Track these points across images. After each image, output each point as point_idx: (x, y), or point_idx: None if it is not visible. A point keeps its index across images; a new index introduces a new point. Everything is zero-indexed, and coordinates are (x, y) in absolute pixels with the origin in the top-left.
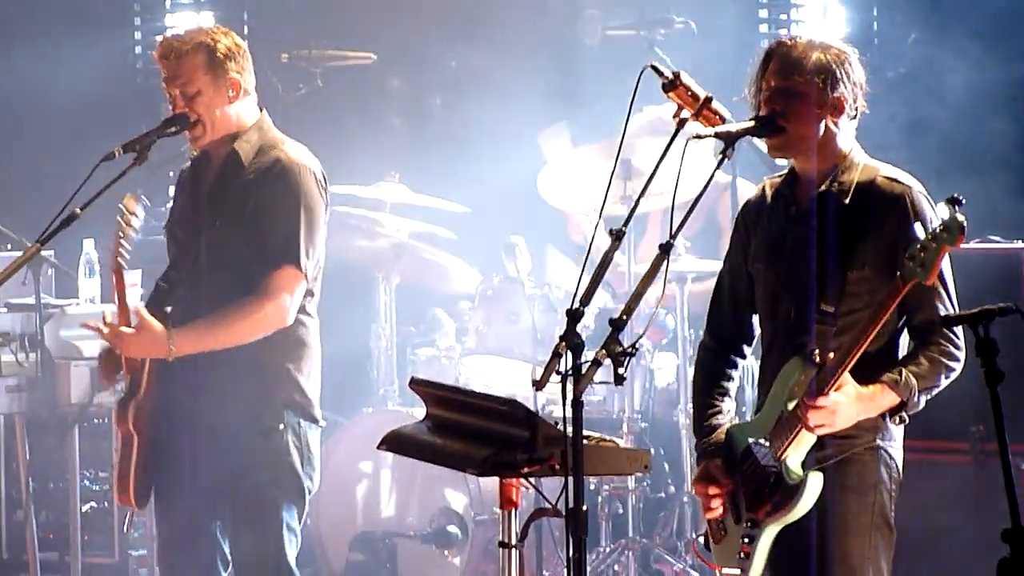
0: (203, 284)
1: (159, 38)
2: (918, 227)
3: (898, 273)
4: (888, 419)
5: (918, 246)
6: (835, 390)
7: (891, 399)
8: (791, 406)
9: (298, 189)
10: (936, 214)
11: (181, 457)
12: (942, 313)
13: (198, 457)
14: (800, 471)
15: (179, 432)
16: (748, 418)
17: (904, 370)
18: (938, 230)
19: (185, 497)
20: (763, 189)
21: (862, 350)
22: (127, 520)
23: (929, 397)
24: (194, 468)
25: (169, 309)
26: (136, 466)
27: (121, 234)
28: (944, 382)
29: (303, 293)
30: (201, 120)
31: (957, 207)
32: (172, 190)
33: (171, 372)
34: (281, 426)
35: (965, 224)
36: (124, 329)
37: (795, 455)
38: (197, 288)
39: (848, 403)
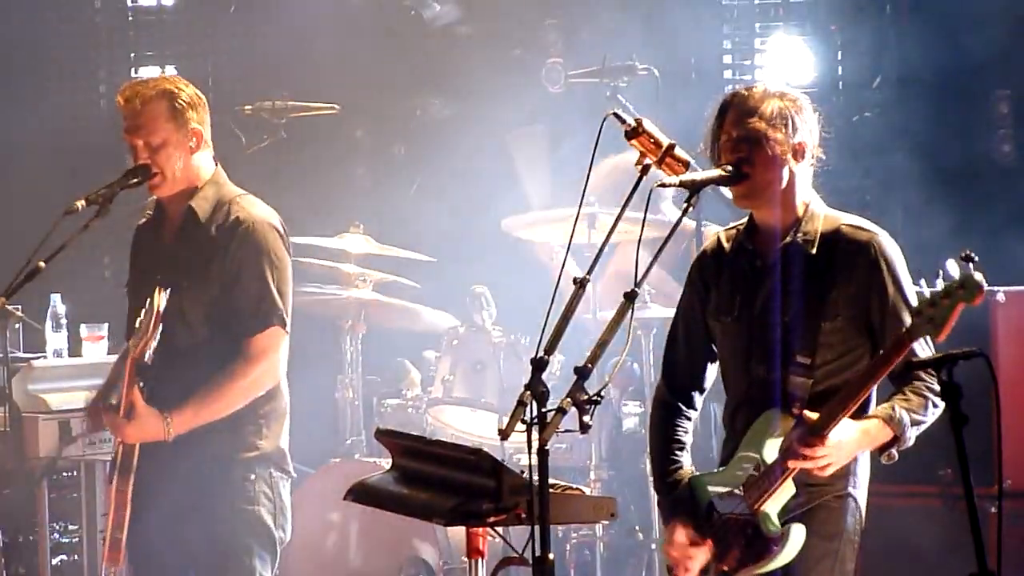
0: (176, 348)
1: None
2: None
3: (903, 329)
4: (863, 465)
5: (928, 302)
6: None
7: (886, 434)
8: (770, 457)
9: (264, 248)
10: (902, 258)
11: (155, 508)
12: (919, 353)
13: (171, 508)
14: (779, 523)
15: (153, 483)
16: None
17: (896, 405)
18: (954, 287)
19: (159, 547)
20: (718, 241)
21: (862, 398)
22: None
23: (918, 432)
24: (168, 518)
25: (141, 384)
26: (129, 528)
27: (150, 330)
28: (931, 418)
29: (287, 349)
30: (162, 171)
31: (972, 264)
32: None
33: None
34: (252, 476)
35: (983, 283)
36: (122, 420)
37: (773, 506)
38: (171, 353)
39: (849, 438)
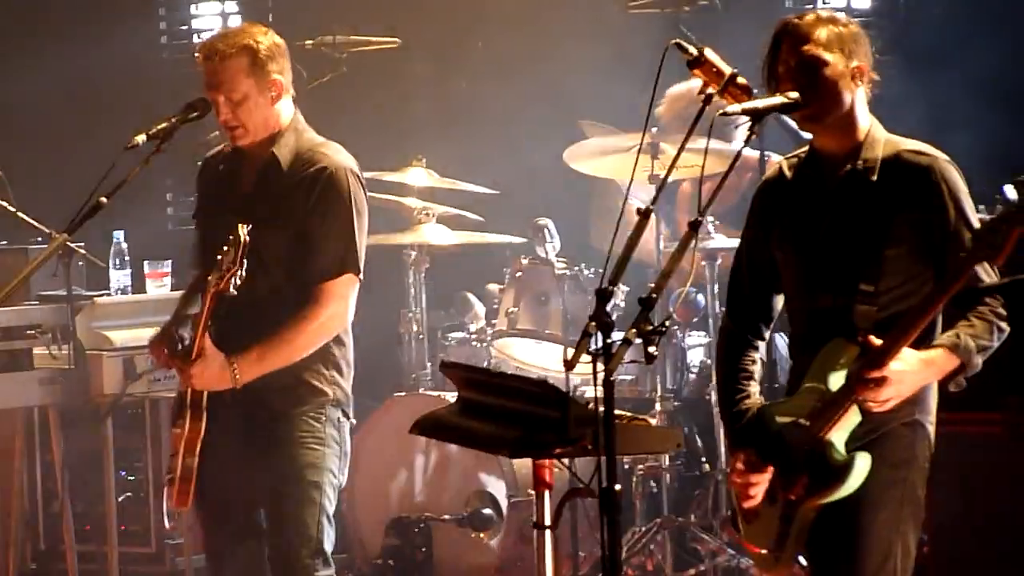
0: (251, 293)
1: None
2: (951, 198)
3: (963, 254)
4: (933, 392)
5: (987, 227)
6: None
7: (952, 362)
8: (835, 386)
9: (349, 197)
10: (964, 182)
11: (224, 449)
12: (983, 279)
13: (240, 449)
14: (844, 451)
15: (223, 423)
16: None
17: (960, 332)
18: (1012, 211)
19: (226, 487)
20: (780, 169)
21: (923, 326)
22: (173, 516)
23: (985, 358)
24: (237, 459)
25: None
26: (198, 473)
27: (235, 264)
28: (997, 342)
29: (356, 295)
30: (244, 124)
31: None
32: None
33: None
34: (323, 419)
35: None
36: (187, 364)
37: (839, 435)
38: (244, 297)
39: (911, 370)
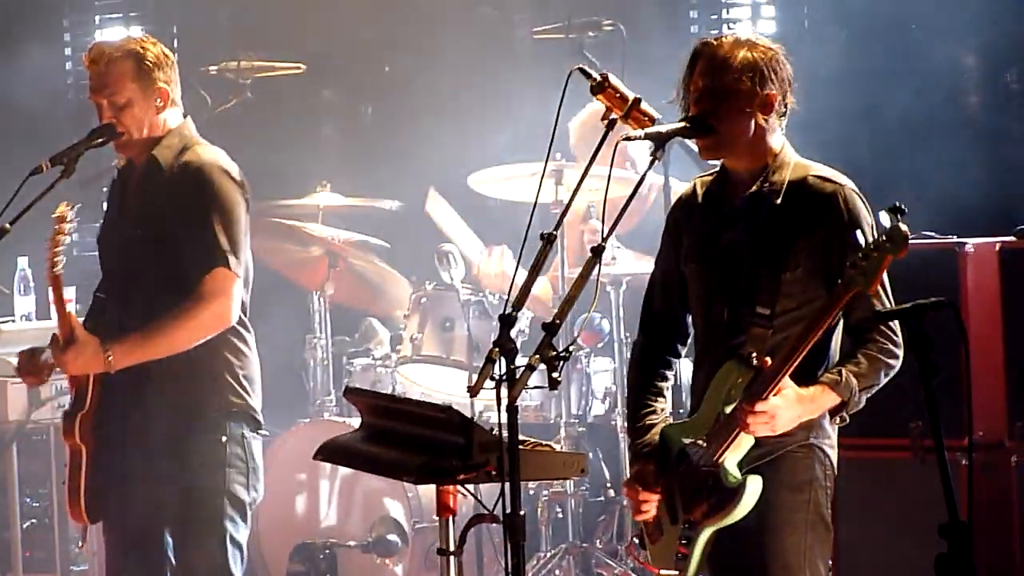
0: (131, 293)
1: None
2: (856, 231)
3: (839, 281)
4: (828, 419)
5: (859, 254)
6: (774, 394)
7: (831, 399)
8: (728, 409)
9: (212, 190)
10: (869, 211)
11: (127, 468)
12: (878, 308)
13: (143, 468)
14: (738, 474)
15: (124, 444)
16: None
17: (844, 370)
18: (882, 239)
19: (132, 508)
20: (694, 188)
21: (802, 355)
22: (81, 536)
23: (869, 395)
24: (140, 479)
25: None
26: (86, 480)
27: (56, 242)
28: (884, 379)
29: (240, 293)
30: (128, 130)
31: (900, 216)
32: (105, 205)
33: (112, 384)
34: (224, 437)
35: (908, 234)
36: (60, 348)
37: (733, 457)
38: (126, 297)
39: (788, 406)
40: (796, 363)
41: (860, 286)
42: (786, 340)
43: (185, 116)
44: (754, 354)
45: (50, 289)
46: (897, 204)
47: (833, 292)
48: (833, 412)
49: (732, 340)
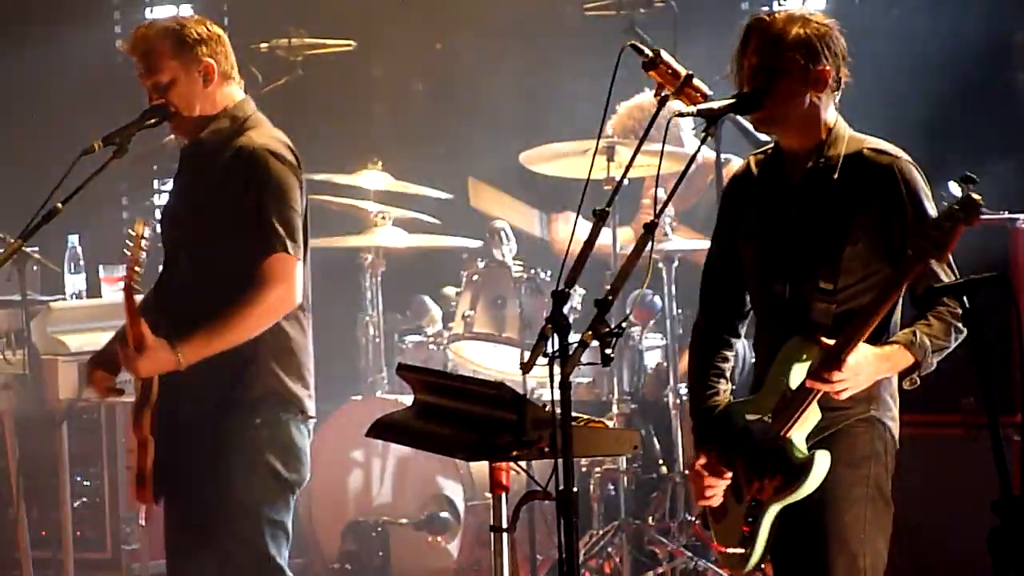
0: (192, 282)
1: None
2: (911, 198)
3: (908, 252)
4: (894, 389)
5: (931, 224)
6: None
7: (906, 359)
8: (795, 383)
9: (265, 175)
10: (926, 182)
11: (177, 452)
12: (942, 278)
13: (186, 455)
14: (805, 450)
15: (174, 429)
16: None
17: (917, 331)
18: (954, 208)
19: (182, 493)
20: (748, 165)
21: (874, 325)
22: (143, 515)
23: (940, 357)
24: (184, 463)
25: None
26: (153, 468)
27: (134, 259)
28: (953, 343)
29: (301, 275)
30: (177, 109)
31: (971, 185)
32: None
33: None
34: (257, 421)
35: (980, 203)
36: (132, 353)
37: (799, 433)
38: (187, 285)
39: (866, 363)
40: (867, 333)
41: (932, 255)
42: (849, 314)
43: (244, 94)
44: (820, 332)
45: (125, 302)
46: (968, 174)
47: (903, 262)
48: (905, 373)
49: (795, 317)
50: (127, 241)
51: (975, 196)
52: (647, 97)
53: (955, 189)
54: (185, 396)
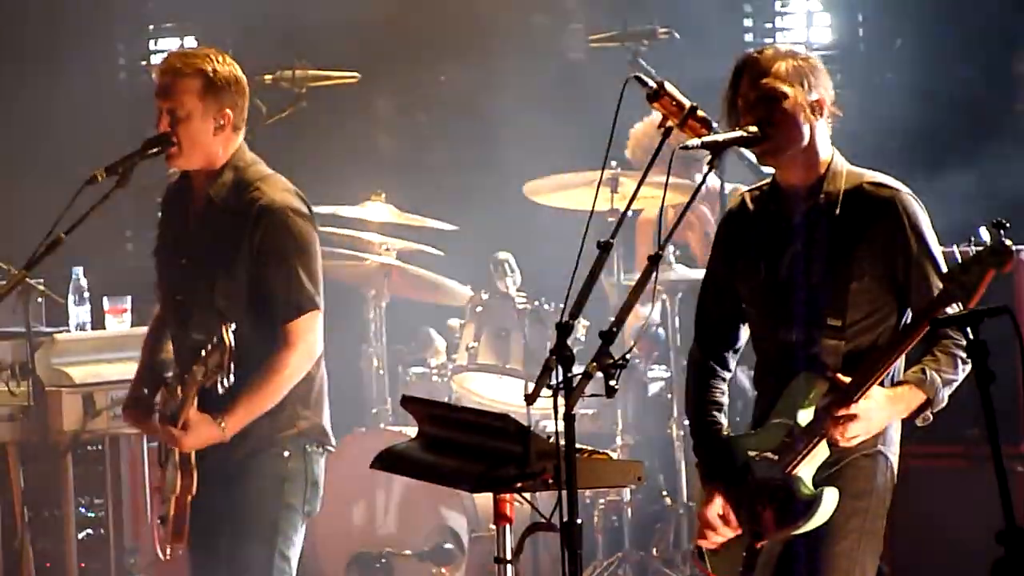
0: (193, 317)
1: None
2: (913, 230)
3: (935, 295)
4: (900, 426)
5: (958, 268)
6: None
7: (918, 398)
8: (804, 421)
9: (287, 233)
10: (926, 214)
11: (204, 492)
12: (949, 313)
13: (209, 485)
14: (812, 486)
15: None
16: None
17: (926, 367)
18: (984, 253)
19: (209, 531)
20: (743, 201)
21: (891, 365)
22: (165, 551)
23: (950, 391)
24: (207, 497)
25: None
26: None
27: (223, 364)
28: (961, 375)
29: (321, 326)
30: (180, 142)
31: (1003, 231)
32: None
33: None
34: (286, 452)
35: (1012, 248)
36: (179, 432)
37: (807, 469)
38: (188, 319)
39: (879, 407)
40: (884, 374)
41: (960, 299)
42: (858, 351)
43: (243, 144)
44: (829, 370)
45: (192, 396)
46: (999, 219)
47: (929, 303)
48: (917, 412)
49: (802, 355)
50: (209, 346)
51: (1007, 242)
52: (654, 116)
53: (984, 234)
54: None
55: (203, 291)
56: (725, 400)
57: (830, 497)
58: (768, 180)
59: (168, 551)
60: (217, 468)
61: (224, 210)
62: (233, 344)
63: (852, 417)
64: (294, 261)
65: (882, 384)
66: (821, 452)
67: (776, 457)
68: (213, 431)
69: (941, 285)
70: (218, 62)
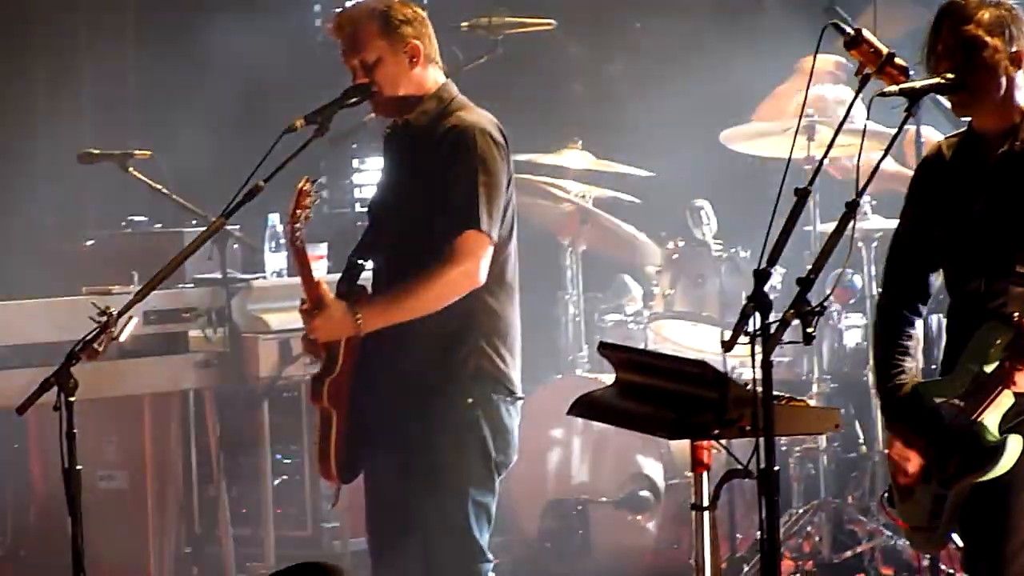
0: (392, 257)
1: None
2: None
3: None
4: None
5: None
6: None
7: None
8: (990, 368)
9: (474, 153)
10: None
11: (378, 432)
12: None
13: (392, 432)
14: (998, 433)
15: (375, 407)
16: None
17: None
18: None
19: (384, 470)
20: (939, 149)
21: None
22: (334, 494)
23: None
24: (389, 443)
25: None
26: (336, 442)
27: (295, 216)
28: None
29: (490, 256)
30: (381, 88)
31: None
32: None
33: (366, 348)
34: (470, 400)
35: None
36: (312, 315)
37: (992, 416)
38: (393, 264)
39: None
40: None
41: None
42: None
43: (447, 77)
44: (1016, 314)
45: (295, 259)
46: None
47: None
48: None
49: (992, 302)
50: (294, 199)
51: None
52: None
53: None
54: (390, 371)
55: (394, 215)
56: (912, 345)
57: (1014, 444)
58: (964, 128)
59: (333, 498)
60: (396, 407)
61: (419, 133)
62: (305, 188)
63: None
64: (473, 179)
65: None
66: (1006, 400)
67: (962, 404)
68: (347, 320)
69: None
70: (390, 2)
